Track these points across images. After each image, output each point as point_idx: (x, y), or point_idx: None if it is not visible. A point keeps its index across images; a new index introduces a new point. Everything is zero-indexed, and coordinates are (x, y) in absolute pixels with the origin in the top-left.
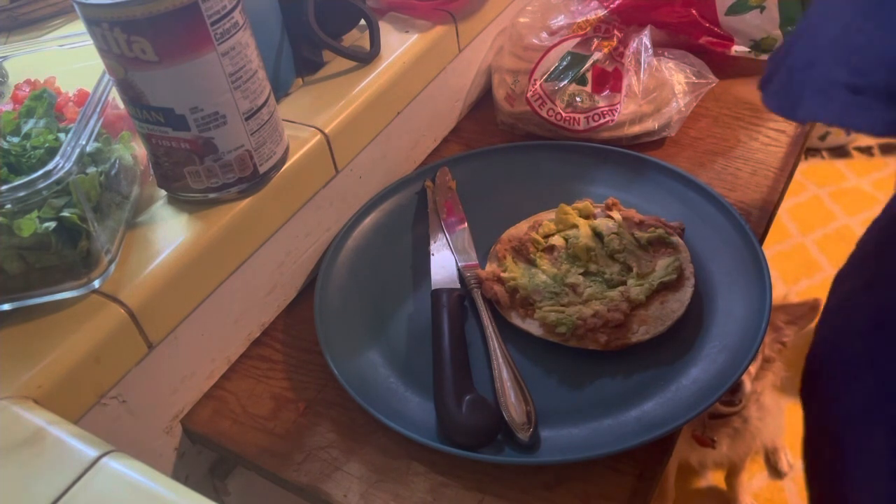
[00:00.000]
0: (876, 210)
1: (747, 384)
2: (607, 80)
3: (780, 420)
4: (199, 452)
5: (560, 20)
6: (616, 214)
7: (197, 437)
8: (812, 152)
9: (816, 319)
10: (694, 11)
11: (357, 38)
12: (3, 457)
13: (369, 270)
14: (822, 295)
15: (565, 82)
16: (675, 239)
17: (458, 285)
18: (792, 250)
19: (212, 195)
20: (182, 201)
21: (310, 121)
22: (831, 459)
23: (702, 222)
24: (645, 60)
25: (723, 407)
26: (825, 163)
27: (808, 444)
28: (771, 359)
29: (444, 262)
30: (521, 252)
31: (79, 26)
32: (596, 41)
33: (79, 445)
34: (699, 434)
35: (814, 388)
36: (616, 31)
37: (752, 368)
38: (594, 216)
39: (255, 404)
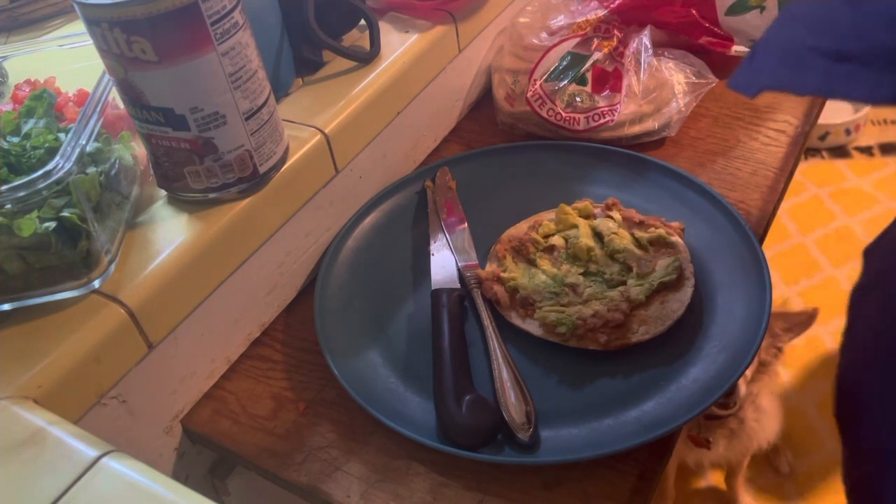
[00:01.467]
0: (876, 210)
1: (742, 387)
2: (607, 80)
3: (778, 421)
4: (199, 452)
5: (560, 20)
6: (616, 214)
7: (197, 437)
8: (812, 152)
9: (813, 326)
10: (694, 11)
11: (357, 38)
12: (3, 457)
13: (369, 270)
14: (822, 295)
15: (565, 82)
16: (675, 239)
17: (458, 285)
18: (792, 250)
19: (212, 195)
20: (182, 201)
21: (310, 121)
22: (870, 482)
23: (702, 222)
24: (645, 60)
25: (717, 409)
26: (825, 163)
27: (848, 468)
28: (767, 362)
29: (444, 262)
30: (521, 252)
31: (79, 26)
32: (596, 41)
33: (79, 445)
34: (694, 435)
35: (848, 413)
36: (616, 31)
37: (749, 371)
38: (594, 216)
39: (255, 404)
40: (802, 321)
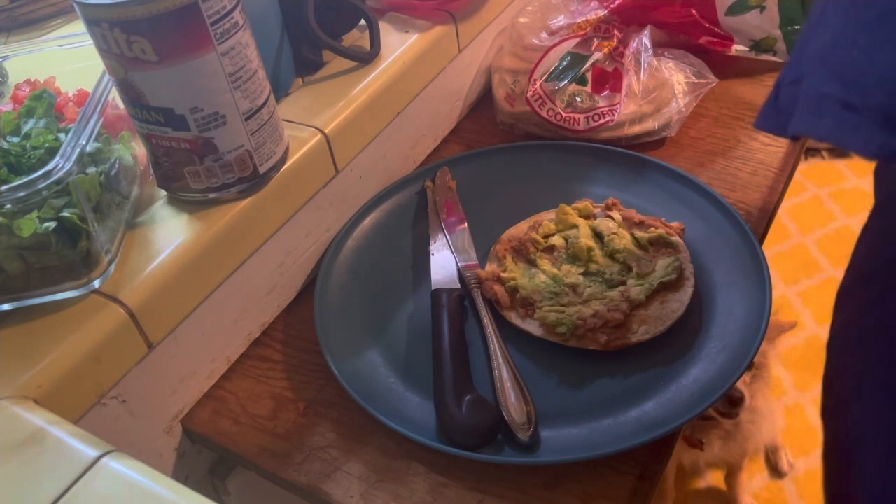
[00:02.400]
0: None
1: (748, 396)
2: (607, 80)
3: (774, 422)
4: (199, 452)
5: (560, 20)
6: (616, 214)
7: (197, 437)
8: (812, 152)
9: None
10: (694, 11)
11: (357, 38)
12: (3, 457)
13: (369, 271)
14: (822, 295)
15: (565, 82)
16: (675, 239)
17: (458, 285)
18: (792, 250)
19: (212, 195)
20: (182, 201)
21: (310, 121)
22: (843, 476)
23: (702, 222)
24: (645, 60)
25: (722, 418)
26: (825, 163)
27: (825, 459)
28: (760, 364)
29: (444, 262)
30: (521, 252)
31: (79, 26)
32: (596, 41)
33: (79, 445)
34: (688, 435)
35: (827, 406)
36: (616, 31)
37: (746, 376)
38: (594, 216)
39: (255, 404)
40: (786, 328)
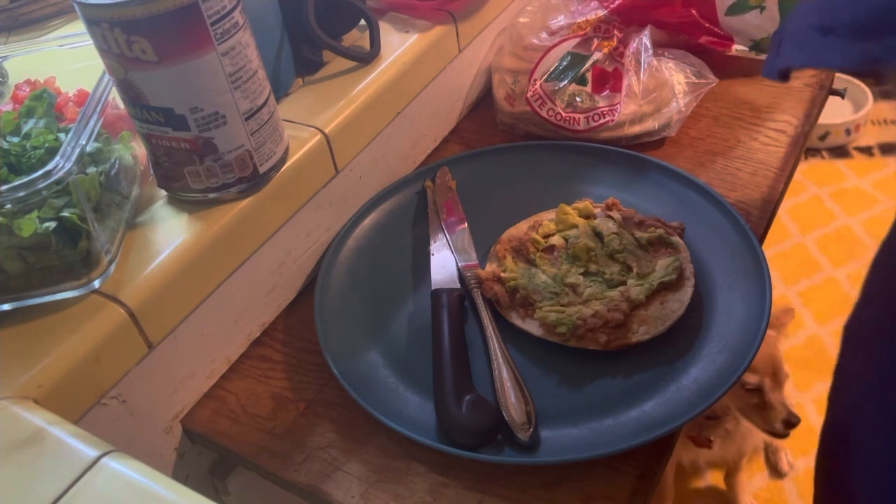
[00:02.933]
0: (876, 210)
1: (781, 400)
2: (607, 80)
3: None
4: (199, 452)
5: (560, 20)
6: (616, 214)
7: (197, 437)
8: (812, 152)
9: (789, 326)
10: (694, 11)
11: (357, 38)
12: (3, 457)
13: (369, 270)
14: (822, 295)
15: (565, 82)
16: (675, 239)
17: (458, 285)
18: (792, 250)
19: (212, 195)
20: (182, 201)
21: (310, 121)
22: (839, 453)
23: (702, 222)
24: (645, 60)
25: (772, 437)
26: (825, 163)
27: (822, 438)
28: (785, 374)
29: (444, 262)
30: (521, 252)
31: (79, 26)
32: (596, 41)
33: (79, 445)
34: (695, 434)
35: (833, 384)
36: (616, 31)
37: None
38: (594, 216)
39: (255, 404)
40: (778, 315)
